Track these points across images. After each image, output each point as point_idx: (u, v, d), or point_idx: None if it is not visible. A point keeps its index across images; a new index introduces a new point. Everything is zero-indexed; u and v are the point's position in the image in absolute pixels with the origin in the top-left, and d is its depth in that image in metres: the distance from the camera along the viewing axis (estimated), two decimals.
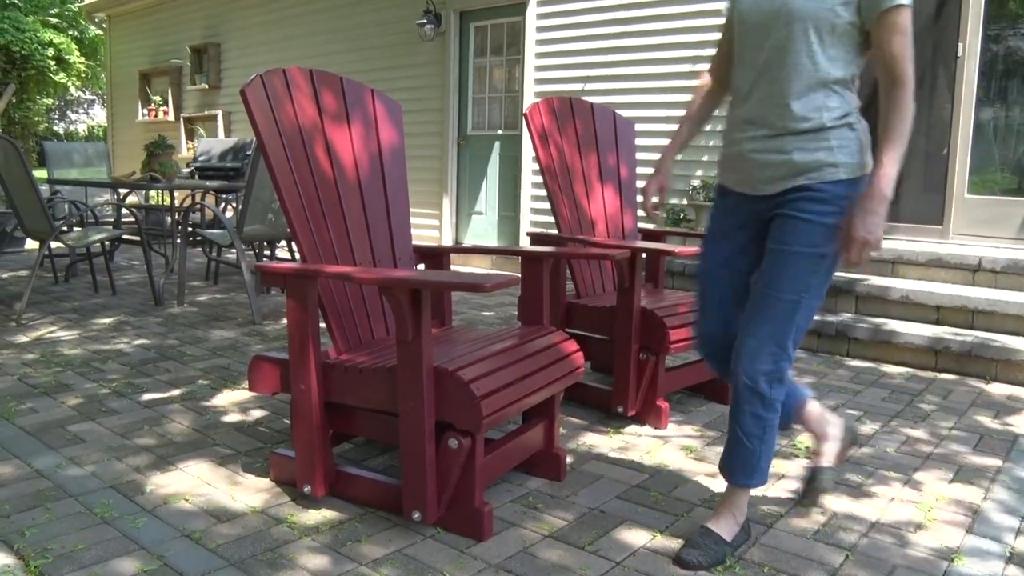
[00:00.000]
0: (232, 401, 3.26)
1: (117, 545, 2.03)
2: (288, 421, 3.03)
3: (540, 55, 7.14)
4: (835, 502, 2.43)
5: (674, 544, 2.13)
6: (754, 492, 2.49)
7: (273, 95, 2.37)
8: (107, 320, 4.68)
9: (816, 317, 4.46)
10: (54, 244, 5.45)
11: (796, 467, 2.71)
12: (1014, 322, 4.12)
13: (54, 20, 18.65)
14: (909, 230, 5.33)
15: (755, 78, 2.05)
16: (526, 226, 7.30)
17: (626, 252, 2.86)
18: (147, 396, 3.28)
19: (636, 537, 2.17)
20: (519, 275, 2.01)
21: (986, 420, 3.30)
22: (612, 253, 2.76)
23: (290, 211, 2.31)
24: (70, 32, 19.03)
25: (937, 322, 4.34)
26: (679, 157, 6.30)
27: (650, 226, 4.13)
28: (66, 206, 6.44)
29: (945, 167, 5.18)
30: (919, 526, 2.29)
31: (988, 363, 3.95)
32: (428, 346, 2.04)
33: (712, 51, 5.99)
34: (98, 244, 5.47)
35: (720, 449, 2.86)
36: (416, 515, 2.12)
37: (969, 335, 4.09)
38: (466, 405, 2.03)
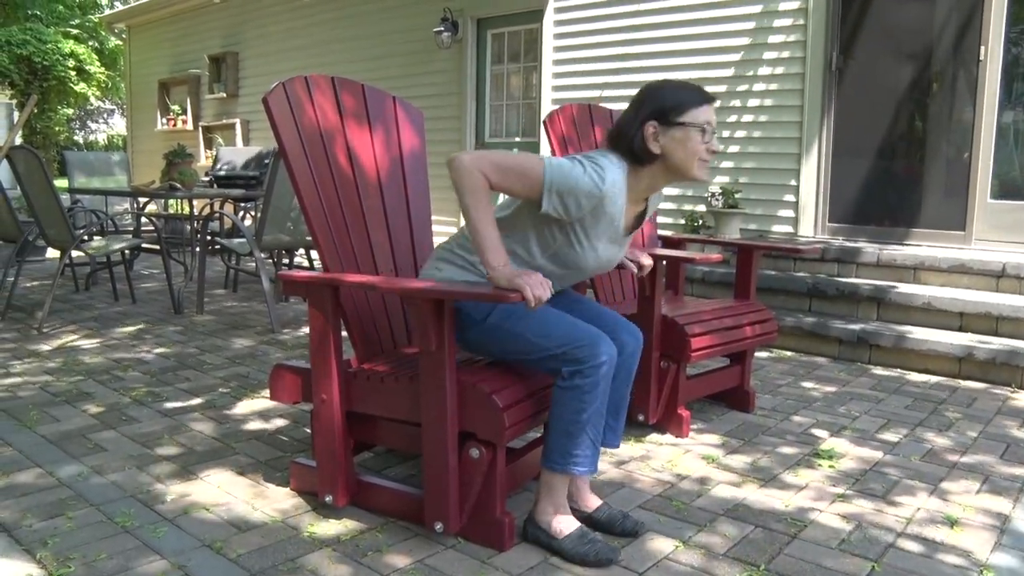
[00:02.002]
0: (252, 410, 3.26)
1: (138, 554, 2.03)
2: (308, 430, 3.03)
3: (557, 62, 7.13)
4: (861, 511, 2.40)
5: (698, 555, 2.11)
6: (777, 502, 2.46)
7: (295, 102, 2.36)
8: (127, 328, 4.71)
9: (838, 324, 4.41)
10: (75, 253, 5.49)
11: (820, 475, 2.68)
12: None
13: (75, 31, 18.87)
14: (931, 236, 5.27)
15: None
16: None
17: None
18: (168, 405, 3.29)
19: (659, 547, 2.15)
20: (548, 293, 1.93)
21: (1012, 429, 3.25)
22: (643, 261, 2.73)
23: (312, 219, 2.31)
24: (90, 43, 19.25)
25: (960, 329, 4.29)
26: None
27: (668, 232, 4.10)
28: (86, 215, 6.49)
29: (967, 172, 5.13)
30: (946, 537, 2.25)
31: (1013, 371, 3.89)
32: (451, 356, 2.03)
33: (725, 57, 5.97)
34: (118, 253, 5.51)
35: (744, 458, 2.83)
36: (438, 526, 2.10)
37: (994, 342, 4.04)
38: (489, 415, 2.02)
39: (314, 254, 8.34)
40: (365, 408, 2.24)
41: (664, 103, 2.03)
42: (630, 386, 2.32)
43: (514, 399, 2.07)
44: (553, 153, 3.41)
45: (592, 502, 2.28)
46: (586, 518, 2.25)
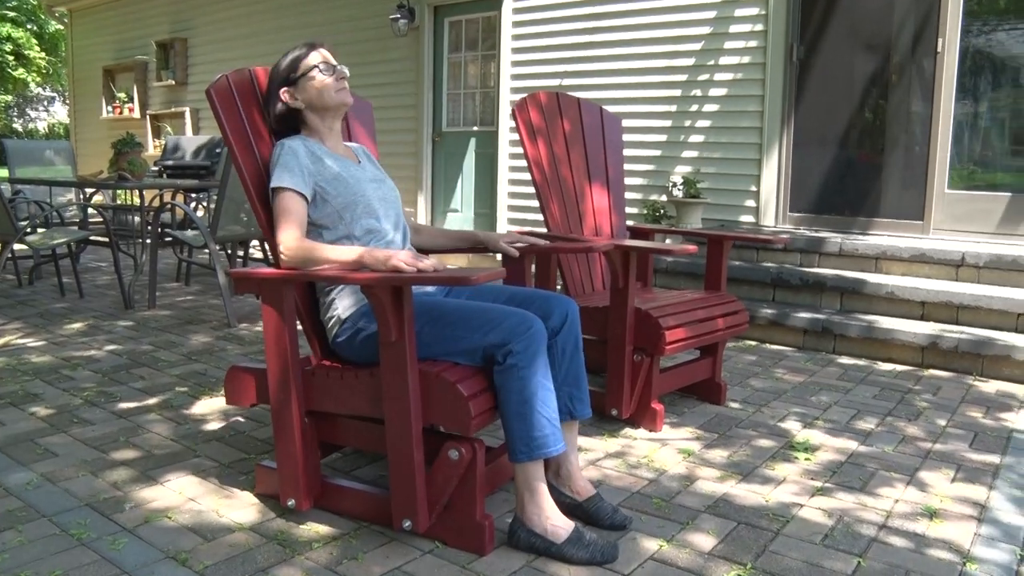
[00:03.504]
0: (212, 409, 3.13)
1: (97, 570, 1.91)
2: (272, 431, 2.91)
3: (516, 50, 7.05)
4: (842, 505, 2.38)
5: (684, 553, 2.06)
6: (758, 497, 2.43)
7: (241, 94, 2.33)
8: (75, 325, 4.51)
9: (802, 314, 4.43)
10: (17, 246, 5.25)
11: (797, 469, 2.66)
12: (998, 317, 4.11)
13: (11, 14, 18.17)
14: (891, 225, 5.33)
15: None
16: (503, 223, 7.21)
17: (620, 247, 2.79)
18: (122, 405, 3.14)
19: (644, 546, 2.09)
20: (504, 269, 1.98)
21: (979, 416, 3.27)
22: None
23: (261, 211, 2.26)
24: (29, 26, 18.55)
25: (922, 318, 4.33)
26: (658, 153, 6.25)
27: (630, 222, 4.06)
28: (29, 206, 6.22)
29: (925, 163, 5.19)
30: (928, 529, 2.24)
31: (975, 359, 3.94)
32: (412, 346, 1.96)
33: (687, 46, 5.95)
34: (64, 245, 5.28)
35: (721, 452, 2.80)
36: (407, 523, 2.03)
37: (955, 331, 4.08)
38: (454, 406, 1.96)
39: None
40: (325, 406, 2.17)
41: (281, 72, 2.32)
42: (581, 353, 2.27)
43: (478, 388, 2.02)
44: (521, 140, 3.33)
45: (585, 490, 2.22)
46: (576, 506, 2.20)
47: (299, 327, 2.24)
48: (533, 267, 3.08)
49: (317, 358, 2.30)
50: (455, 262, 7.20)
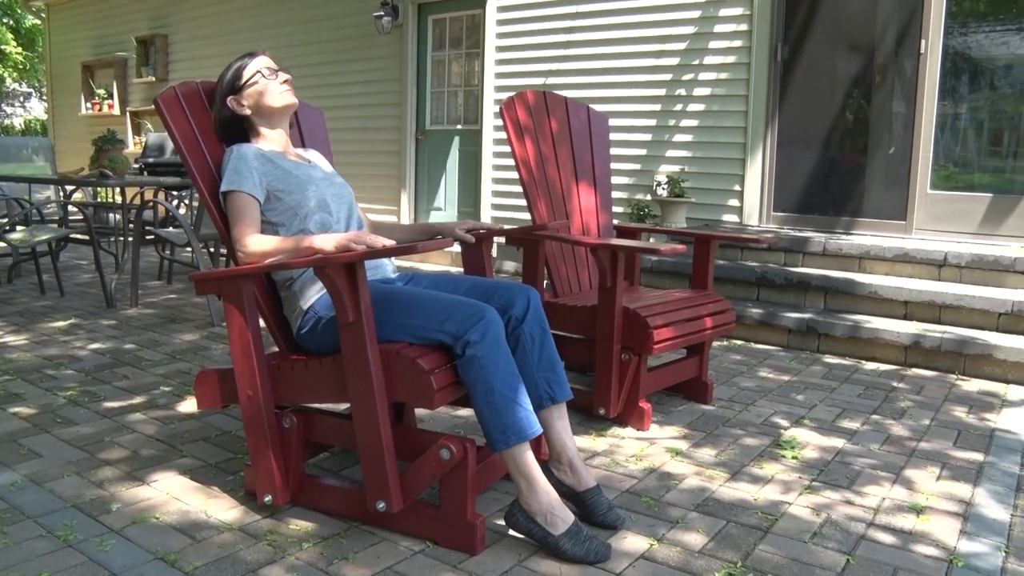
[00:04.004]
0: (197, 409, 3.10)
1: (84, 571, 1.89)
2: None
3: (500, 48, 7.04)
4: (829, 502, 2.40)
5: (675, 552, 2.07)
6: (746, 495, 2.44)
7: (189, 103, 2.40)
8: (57, 323, 4.46)
9: (787, 313, 4.46)
10: None
11: (785, 467, 2.67)
12: (980, 317, 4.16)
13: None
14: (873, 225, 5.37)
15: None
16: (486, 221, 7.19)
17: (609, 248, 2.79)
18: (106, 405, 3.10)
19: (635, 545, 2.10)
20: (448, 239, 2.09)
21: (962, 415, 3.31)
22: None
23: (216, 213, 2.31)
24: (5, 20, 18.30)
25: (905, 317, 4.37)
26: (643, 152, 6.27)
27: (615, 221, 4.07)
28: (8, 203, 6.14)
29: (908, 163, 5.23)
30: (915, 526, 2.26)
31: (957, 358, 3.98)
32: (370, 326, 1.98)
33: (672, 45, 5.96)
34: (44, 243, 5.22)
35: (708, 451, 2.81)
36: (380, 505, 2.03)
37: (938, 330, 4.12)
38: (417, 381, 1.98)
39: None
40: (293, 398, 2.19)
41: (225, 82, 2.38)
42: (550, 336, 2.28)
43: (438, 363, 2.04)
44: (509, 139, 3.33)
45: (584, 482, 2.23)
46: (572, 495, 2.21)
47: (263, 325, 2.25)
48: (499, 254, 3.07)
49: (283, 353, 2.31)
50: (438, 260, 7.18)
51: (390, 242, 1.95)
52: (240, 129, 2.42)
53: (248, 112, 2.38)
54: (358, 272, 1.96)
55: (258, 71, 2.37)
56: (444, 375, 2.04)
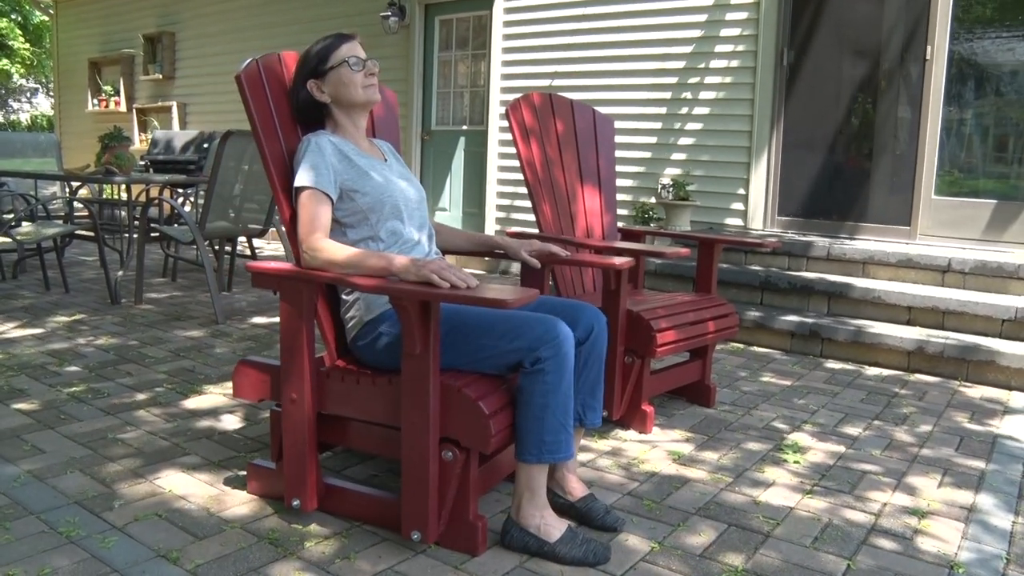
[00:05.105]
0: (201, 406, 3.11)
1: (87, 568, 1.89)
2: (261, 428, 2.90)
3: (507, 50, 7.05)
4: (831, 507, 2.40)
5: (676, 556, 2.07)
6: (748, 499, 2.44)
7: (270, 81, 2.28)
8: (61, 319, 4.47)
9: (790, 317, 4.45)
10: (1, 239, 5.20)
11: (787, 471, 2.67)
12: (983, 323, 4.15)
13: None
14: (877, 230, 5.37)
15: None
16: (491, 223, 7.21)
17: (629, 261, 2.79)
18: (110, 401, 3.11)
19: (635, 548, 2.10)
20: (537, 291, 1.90)
21: (964, 421, 3.31)
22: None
23: (284, 203, 2.23)
24: (13, 16, 18.35)
25: (909, 323, 4.36)
26: (647, 155, 6.27)
27: (621, 224, 4.07)
28: (14, 199, 6.16)
29: (913, 169, 5.23)
30: (916, 530, 2.26)
31: (960, 364, 3.97)
32: (436, 361, 1.94)
33: (678, 48, 5.96)
34: (49, 239, 5.23)
35: (711, 454, 2.81)
36: (416, 535, 2.00)
37: (941, 336, 4.12)
38: (475, 423, 1.93)
39: (257, 243, 8.11)
40: (338, 409, 2.14)
41: (309, 62, 2.24)
42: (602, 364, 2.27)
43: (498, 405, 1.99)
44: (514, 140, 3.33)
45: (577, 491, 2.23)
46: (568, 507, 2.21)
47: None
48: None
49: (332, 358, 2.25)
50: (475, 266, 7.18)
51: (474, 281, 1.86)
52: (317, 114, 2.28)
53: (327, 100, 2.24)
54: (433, 308, 1.88)
55: (345, 60, 2.21)
56: (504, 417, 1.99)
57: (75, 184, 6.77)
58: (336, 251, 2.04)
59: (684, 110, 6.08)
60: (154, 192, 6.60)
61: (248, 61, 2.25)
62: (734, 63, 5.81)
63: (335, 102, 2.25)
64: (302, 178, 2.12)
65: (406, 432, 1.97)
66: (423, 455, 1.96)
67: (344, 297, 2.23)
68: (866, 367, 4.16)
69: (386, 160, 2.36)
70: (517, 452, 2.04)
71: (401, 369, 1.95)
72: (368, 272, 1.98)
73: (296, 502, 2.15)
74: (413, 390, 1.94)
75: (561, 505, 2.21)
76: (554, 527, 2.03)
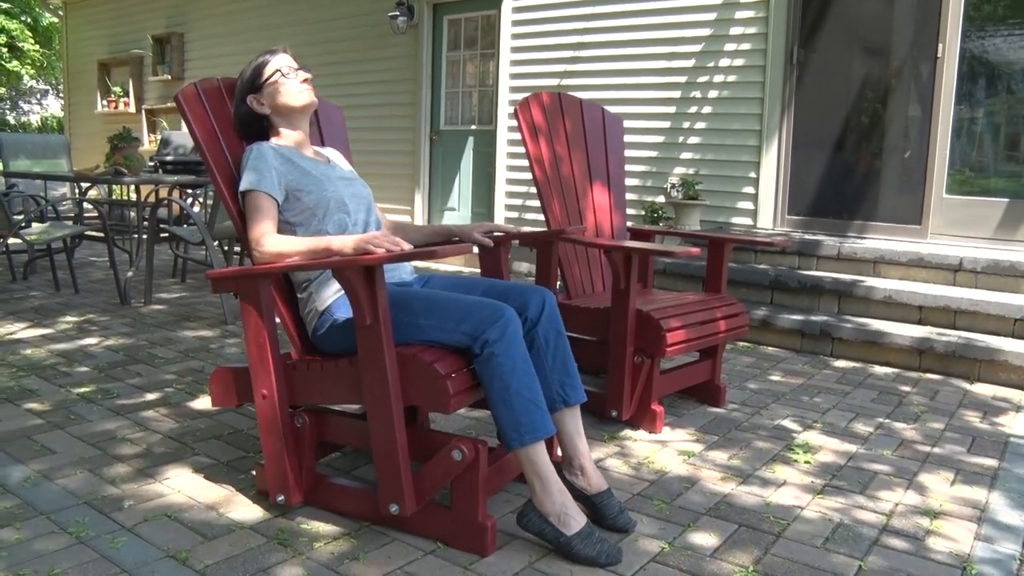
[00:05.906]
0: (210, 407, 3.11)
1: (96, 568, 1.90)
2: None
3: (515, 49, 7.04)
4: (842, 507, 2.38)
5: (686, 556, 2.06)
6: (759, 499, 2.43)
7: (210, 99, 2.40)
8: (71, 320, 4.49)
9: (800, 317, 4.43)
10: (12, 240, 5.22)
11: (797, 471, 2.66)
12: (995, 322, 4.13)
13: (6, 5, 18.06)
14: (888, 229, 5.34)
15: None
16: (500, 221, 7.20)
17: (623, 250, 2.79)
18: (119, 402, 3.12)
19: (646, 548, 2.09)
20: (468, 244, 2.11)
21: (975, 421, 3.28)
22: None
23: (234, 211, 2.32)
24: (23, 18, 18.44)
25: (920, 322, 4.34)
26: (656, 154, 6.25)
27: (629, 223, 4.06)
28: (24, 201, 6.18)
29: (924, 167, 5.20)
30: (928, 530, 2.25)
31: (971, 363, 3.95)
32: (388, 329, 1.97)
33: (687, 47, 5.95)
34: (59, 240, 5.25)
35: (721, 454, 2.80)
36: (393, 508, 2.03)
37: (952, 335, 4.09)
38: (433, 385, 1.98)
39: None
40: (308, 398, 2.19)
41: (245, 80, 2.38)
42: (565, 340, 2.28)
43: (455, 367, 2.03)
44: (523, 139, 3.33)
45: (596, 484, 2.22)
46: (583, 498, 2.21)
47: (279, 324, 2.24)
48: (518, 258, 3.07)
49: (298, 353, 2.31)
50: (452, 261, 7.19)
51: (408, 245, 1.94)
52: (260, 127, 2.41)
53: (267, 111, 2.37)
54: (376, 275, 1.95)
55: (277, 70, 2.35)
56: (461, 379, 2.03)
57: (85, 185, 6.80)
58: (282, 243, 2.15)
59: (693, 109, 6.06)
60: (163, 193, 6.62)
61: (186, 85, 2.37)
62: (743, 62, 5.79)
63: (275, 112, 2.37)
64: (246, 182, 2.23)
65: (369, 405, 2.01)
66: (388, 425, 1.99)
67: (300, 296, 2.31)
68: (876, 366, 4.14)
69: (328, 162, 2.47)
70: (504, 444, 2.05)
71: (357, 345, 2.00)
72: (312, 255, 2.10)
73: (280, 497, 2.17)
74: (370, 362, 1.99)
75: (577, 496, 2.20)
76: (574, 519, 2.02)
